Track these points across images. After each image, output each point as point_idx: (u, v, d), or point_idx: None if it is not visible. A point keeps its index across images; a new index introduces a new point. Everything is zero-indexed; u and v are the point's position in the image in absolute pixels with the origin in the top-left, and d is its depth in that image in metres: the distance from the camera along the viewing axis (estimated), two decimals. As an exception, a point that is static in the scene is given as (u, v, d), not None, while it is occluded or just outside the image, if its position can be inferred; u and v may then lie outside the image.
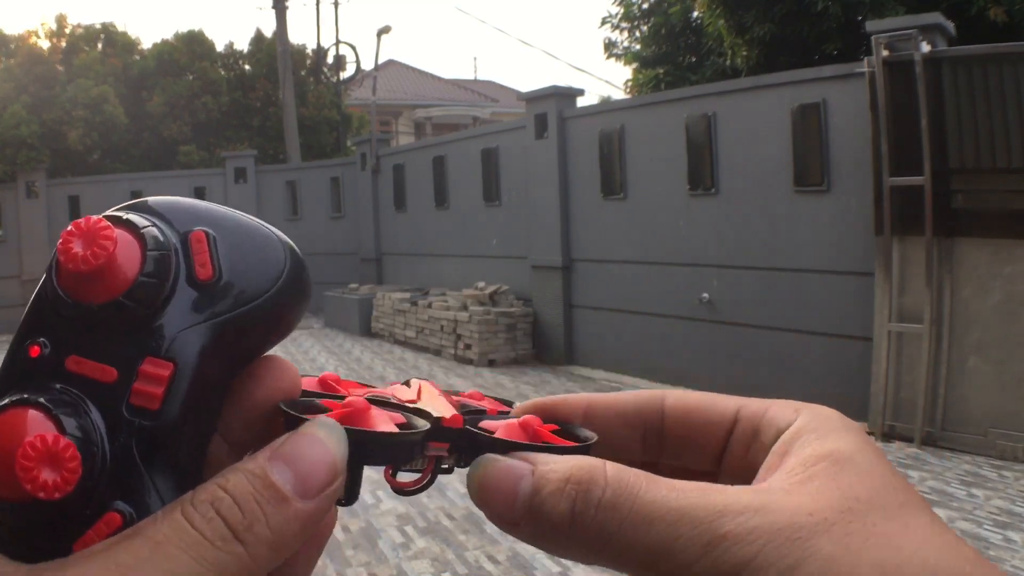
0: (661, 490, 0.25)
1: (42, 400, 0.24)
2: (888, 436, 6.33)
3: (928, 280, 6.07)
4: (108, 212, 0.28)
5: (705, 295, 8.22)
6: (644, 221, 8.94)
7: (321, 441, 0.25)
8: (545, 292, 10.32)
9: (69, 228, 0.26)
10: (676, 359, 8.57)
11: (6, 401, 0.24)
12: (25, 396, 0.24)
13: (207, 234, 0.28)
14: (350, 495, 0.27)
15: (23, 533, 0.24)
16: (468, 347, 10.32)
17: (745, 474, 0.30)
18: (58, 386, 0.25)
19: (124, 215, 0.27)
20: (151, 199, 0.29)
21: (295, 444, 0.25)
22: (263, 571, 0.24)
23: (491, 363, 10.13)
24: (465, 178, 12.11)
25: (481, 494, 0.27)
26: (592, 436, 0.32)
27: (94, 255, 0.25)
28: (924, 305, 6.10)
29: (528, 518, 0.26)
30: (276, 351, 0.31)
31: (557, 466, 0.26)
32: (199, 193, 16.35)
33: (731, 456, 0.32)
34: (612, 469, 0.26)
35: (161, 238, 0.27)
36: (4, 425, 0.23)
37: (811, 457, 0.27)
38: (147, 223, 0.27)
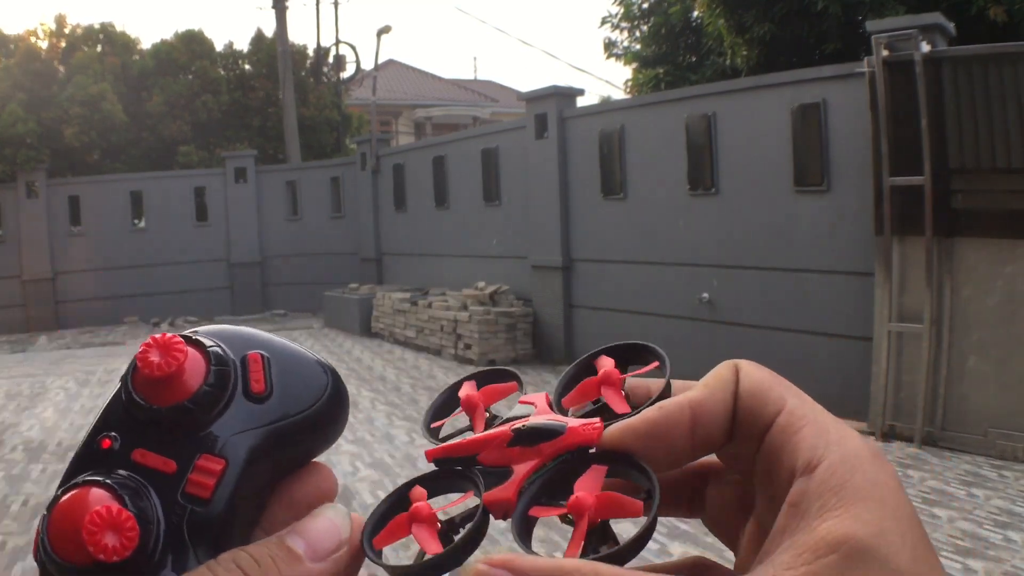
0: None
1: (108, 481, 0.28)
2: (888, 436, 6.33)
3: (928, 280, 6.07)
4: (182, 334, 0.33)
5: (705, 295, 8.23)
6: (644, 221, 8.94)
7: (329, 519, 0.31)
8: (545, 292, 10.32)
9: (148, 341, 0.31)
10: (676, 359, 8.38)
11: (79, 480, 0.29)
12: (94, 478, 0.29)
13: (262, 356, 0.33)
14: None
15: None
16: (468, 347, 10.32)
17: (768, 488, 0.30)
18: (124, 473, 0.29)
19: (194, 336, 0.32)
20: (217, 327, 0.34)
21: (307, 520, 0.31)
22: None
23: (491, 363, 10.13)
24: (465, 178, 12.11)
25: None
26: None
27: (167, 363, 0.30)
28: (924, 305, 6.10)
29: None
30: None
31: (540, 567, 0.26)
32: (199, 193, 16.37)
33: (761, 457, 0.30)
34: (606, 575, 0.26)
35: (223, 356, 0.32)
36: (74, 500, 0.28)
37: (823, 543, 0.25)
38: (212, 343, 0.32)
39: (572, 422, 0.35)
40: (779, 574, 0.25)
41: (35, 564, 0.29)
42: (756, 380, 0.31)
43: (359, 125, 20.23)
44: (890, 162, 6.20)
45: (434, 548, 0.33)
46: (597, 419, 0.35)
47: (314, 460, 0.35)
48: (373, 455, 6.38)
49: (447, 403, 0.41)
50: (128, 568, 0.27)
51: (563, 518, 0.32)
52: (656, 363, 0.38)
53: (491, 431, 0.36)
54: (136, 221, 16.24)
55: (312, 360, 0.34)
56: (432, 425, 0.40)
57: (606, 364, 0.38)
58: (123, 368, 0.32)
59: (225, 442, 0.30)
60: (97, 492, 0.28)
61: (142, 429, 0.30)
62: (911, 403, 6.22)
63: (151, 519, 0.28)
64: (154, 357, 0.30)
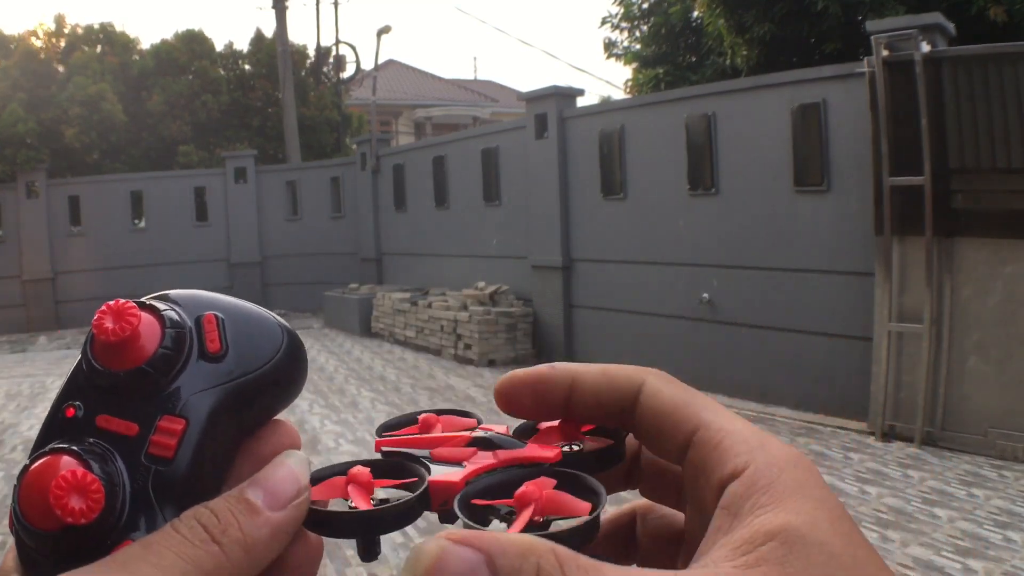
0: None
1: (74, 448, 0.29)
2: (888, 436, 6.33)
3: (928, 280, 6.07)
4: (135, 300, 0.33)
5: (705, 295, 8.22)
6: (644, 221, 8.94)
7: (288, 466, 0.32)
8: (545, 292, 10.32)
9: (102, 308, 0.31)
10: (676, 359, 8.57)
11: (45, 449, 0.29)
12: (60, 445, 0.29)
13: (216, 317, 0.33)
14: (368, 553, 0.32)
15: (55, 561, 0.28)
16: (468, 347, 10.32)
17: (697, 501, 0.31)
18: (90, 440, 0.30)
19: (148, 301, 0.33)
20: (171, 292, 0.34)
21: (266, 470, 0.31)
22: (240, 573, 0.28)
23: (491, 363, 10.13)
24: (465, 178, 12.11)
25: None
26: (601, 494, 0.32)
27: (121, 328, 0.30)
28: (924, 305, 6.10)
29: None
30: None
31: (512, 557, 0.25)
32: (199, 193, 16.37)
33: (686, 472, 0.32)
34: (564, 556, 0.25)
35: (177, 319, 0.32)
36: (42, 468, 0.28)
37: (759, 533, 0.26)
38: (167, 307, 0.33)
39: (532, 444, 0.35)
40: (720, 565, 0.25)
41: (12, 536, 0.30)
42: (665, 399, 0.32)
43: (359, 125, 20.23)
44: (890, 162, 6.20)
45: (365, 507, 0.32)
46: (555, 445, 0.35)
47: (275, 418, 0.35)
48: (373, 455, 6.37)
49: (403, 423, 0.41)
50: (96, 530, 0.28)
51: (503, 516, 0.31)
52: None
53: (446, 434, 0.36)
54: (136, 221, 16.23)
55: (267, 318, 0.35)
56: (383, 434, 0.40)
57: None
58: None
59: (185, 402, 0.31)
60: (63, 459, 0.29)
61: (104, 395, 0.31)
62: (911, 403, 6.22)
63: (116, 482, 0.29)
64: (108, 323, 0.31)
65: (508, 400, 0.35)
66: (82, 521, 0.27)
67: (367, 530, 0.31)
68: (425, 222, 13.38)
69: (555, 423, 0.37)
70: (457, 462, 0.34)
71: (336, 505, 0.33)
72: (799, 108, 7.15)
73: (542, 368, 0.35)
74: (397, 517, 0.31)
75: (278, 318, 0.35)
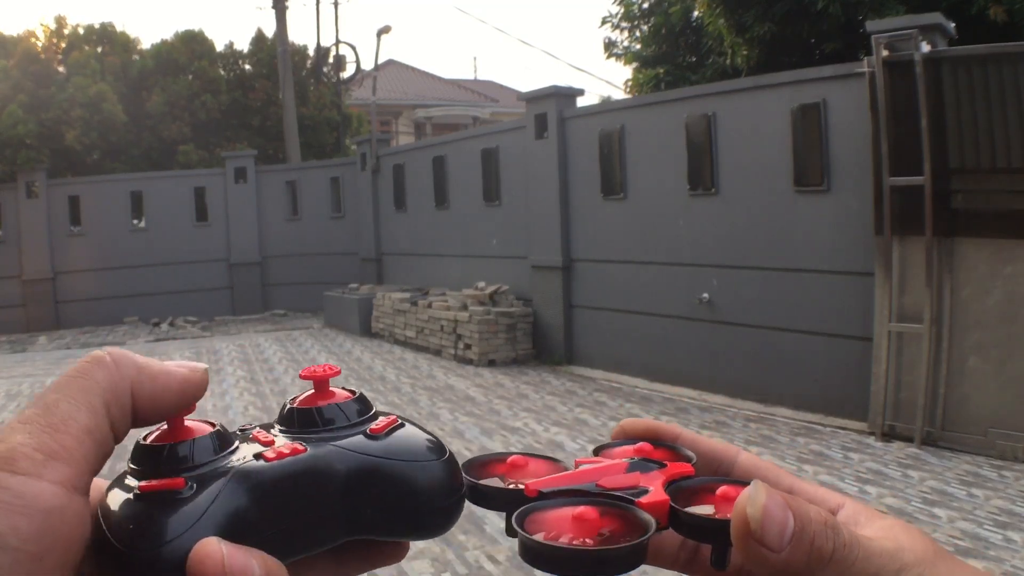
0: (864, 534, 0.33)
1: (213, 422, 0.35)
2: (888, 436, 6.33)
3: (928, 280, 6.07)
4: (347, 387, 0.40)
5: (705, 295, 8.22)
6: (644, 221, 8.94)
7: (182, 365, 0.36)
8: (545, 292, 10.32)
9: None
10: (676, 359, 8.57)
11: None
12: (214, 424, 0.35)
13: (400, 418, 0.38)
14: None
15: (141, 468, 0.33)
16: (468, 347, 10.32)
17: None
18: (239, 436, 0.36)
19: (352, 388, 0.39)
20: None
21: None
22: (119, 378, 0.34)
23: (491, 363, 10.13)
24: (465, 178, 12.11)
25: (765, 522, 0.30)
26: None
27: (325, 371, 0.37)
28: (924, 305, 6.10)
29: (794, 550, 0.30)
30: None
31: (809, 507, 0.31)
32: (199, 193, 16.35)
33: None
34: (842, 527, 0.32)
35: (368, 400, 0.38)
36: (191, 425, 0.35)
37: (885, 525, 0.34)
38: (363, 395, 0.39)
39: (671, 464, 0.38)
40: (861, 533, 0.32)
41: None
42: (764, 464, 0.40)
43: (359, 125, 20.23)
44: (890, 162, 6.20)
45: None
46: (682, 462, 0.39)
47: (402, 542, 0.36)
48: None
49: (489, 460, 0.41)
50: (168, 458, 0.32)
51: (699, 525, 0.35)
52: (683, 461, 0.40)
53: (601, 464, 0.38)
54: (136, 221, 16.23)
55: (437, 440, 0.37)
56: (477, 477, 0.39)
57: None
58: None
59: (316, 441, 0.34)
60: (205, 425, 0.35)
61: (277, 423, 0.37)
62: (911, 403, 6.22)
63: (222, 448, 0.33)
64: (317, 368, 0.37)
65: (625, 434, 0.41)
66: (155, 442, 0.33)
67: (600, 571, 0.32)
68: (425, 222, 13.38)
69: (627, 448, 0.40)
70: (633, 486, 0.36)
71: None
72: (799, 108, 7.15)
73: (655, 421, 0.42)
74: (633, 554, 0.32)
75: (445, 444, 0.37)
